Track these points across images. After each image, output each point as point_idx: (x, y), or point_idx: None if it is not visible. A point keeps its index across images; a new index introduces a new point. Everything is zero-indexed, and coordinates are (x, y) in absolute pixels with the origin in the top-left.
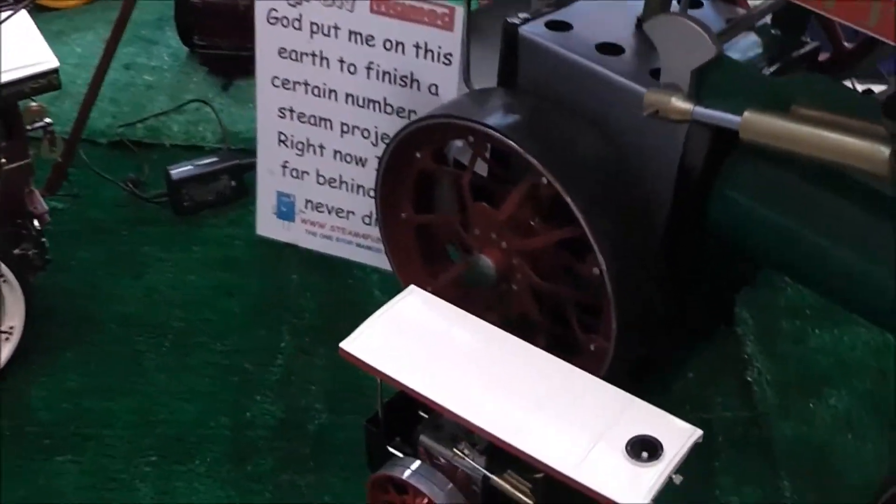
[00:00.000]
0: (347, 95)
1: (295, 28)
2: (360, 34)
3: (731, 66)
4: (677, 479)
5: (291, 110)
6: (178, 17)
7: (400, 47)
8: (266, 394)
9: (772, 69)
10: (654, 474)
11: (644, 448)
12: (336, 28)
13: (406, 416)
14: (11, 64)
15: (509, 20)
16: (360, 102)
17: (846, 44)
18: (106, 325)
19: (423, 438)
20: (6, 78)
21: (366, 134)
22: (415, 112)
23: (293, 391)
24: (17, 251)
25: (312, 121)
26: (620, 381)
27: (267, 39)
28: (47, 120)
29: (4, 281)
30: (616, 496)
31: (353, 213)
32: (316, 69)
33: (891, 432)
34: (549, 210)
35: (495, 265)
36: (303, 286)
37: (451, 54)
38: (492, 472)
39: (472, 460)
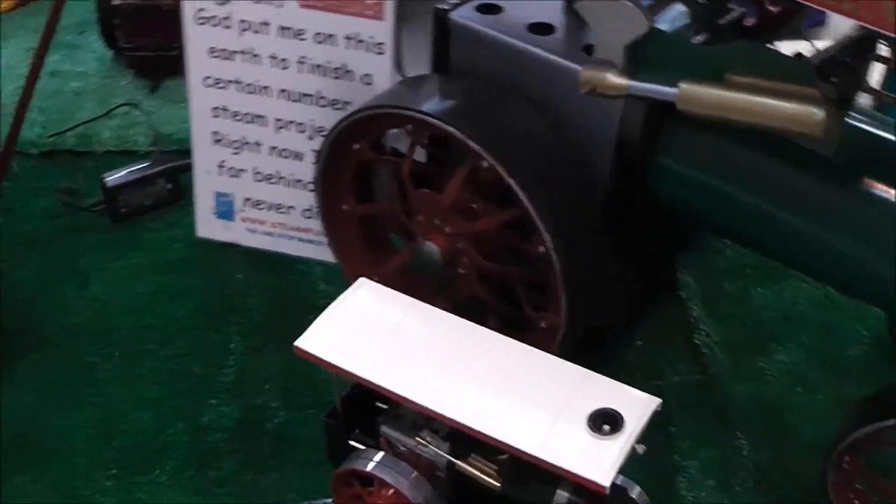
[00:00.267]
0: (281, 91)
1: (224, 27)
2: (291, 29)
3: (664, 39)
4: (640, 449)
5: (225, 109)
6: (100, 21)
7: (331, 39)
8: (221, 396)
9: (701, 38)
10: (618, 446)
11: (605, 421)
12: (266, 24)
13: (364, 408)
14: None
15: (439, 6)
16: (294, 97)
17: (771, 7)
18: (53, 338)
19: (385, 429)
20: None
21: (301, 128)
22: (349, 103)
23: (248, 391)
24: None
25: (247, 118)
26: (573, 356)
27: (196, 40)
28: None
29: None
30: (583, 471)
31: (292, 207)
32: (248, 66)
33: (839, 383)
34: (491, 192)
35: (441, 250)
36: (247, 285)
37: (382, 43)
38: (456, 458)
39: (436, 447)
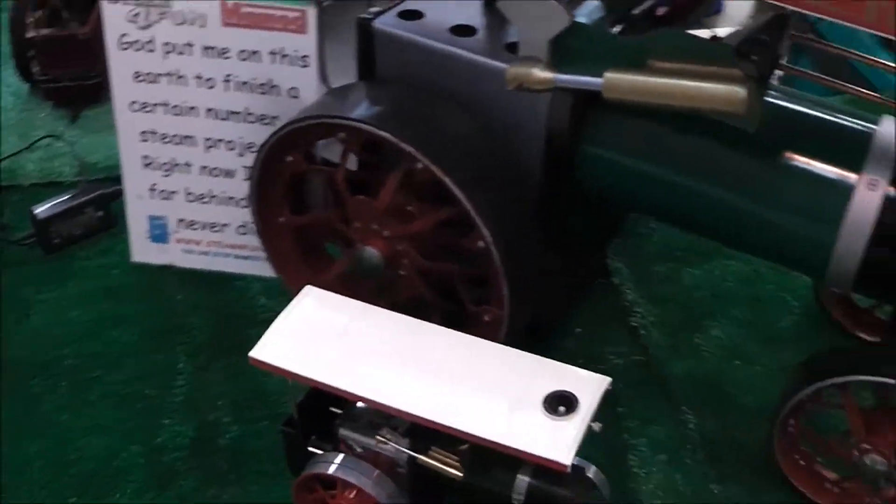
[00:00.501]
0: (208, 110)
1: (148, 51)
2: (215, 48)
3: (584, 32)
4: (597, 427)
5: (153, 132)
6: (15, 54)
7: (255, 56)
8: (173, 416)
9: (617, 29)
10: (574, 426)
11: (560, 403)
12: (190, 45)
13: (320, 414)
14: None
15: (361, 15)
16: (222, 115)
17: None
18: None
19: (343, 432)
20: None
21: (231, 146)
22: (277, 118)
23: (199, 409)
24: None
25: (176, 140)
26: (516, 347)
27: (120, 65)
28: None
29: None
30: (543, 452)
31: (227, 225)
32: (174, 88)
33: (774, 353)
34: (426, 193)
35: (381, 254)
36: (188, 305)
37: (307, 56)
38: (417, 452)
39: (396, 444)
